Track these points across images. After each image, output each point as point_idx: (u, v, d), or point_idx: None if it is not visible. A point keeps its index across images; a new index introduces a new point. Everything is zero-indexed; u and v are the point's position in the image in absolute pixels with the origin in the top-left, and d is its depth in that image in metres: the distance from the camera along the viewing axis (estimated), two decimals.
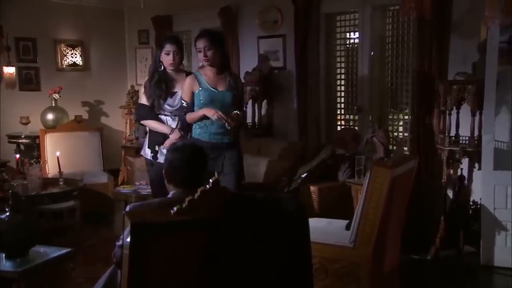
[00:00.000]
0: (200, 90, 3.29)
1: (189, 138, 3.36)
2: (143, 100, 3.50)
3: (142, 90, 3.54)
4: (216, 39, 3.28)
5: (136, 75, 7.07)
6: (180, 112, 3.39)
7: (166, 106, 3.44)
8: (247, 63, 5.52)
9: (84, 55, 6.69)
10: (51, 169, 5.18)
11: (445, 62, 4.11)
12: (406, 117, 4.72)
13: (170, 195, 2.12)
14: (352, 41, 5.17)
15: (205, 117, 3.25)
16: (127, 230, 1.62)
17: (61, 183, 4.29)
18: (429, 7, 1.57)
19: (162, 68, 3.45)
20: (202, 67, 3.36)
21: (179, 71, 3.53)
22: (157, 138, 3.47)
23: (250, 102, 5.35)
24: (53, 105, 6.11)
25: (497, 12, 2.13)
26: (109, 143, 6.32)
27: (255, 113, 5.36)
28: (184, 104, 3.35)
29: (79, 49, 6.63)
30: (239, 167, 3.37)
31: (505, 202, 3.64)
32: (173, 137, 3.37)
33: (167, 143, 3.36)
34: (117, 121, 6.88)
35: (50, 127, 5.87)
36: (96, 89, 6.76)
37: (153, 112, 3.46)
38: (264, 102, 5.35)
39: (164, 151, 3.30)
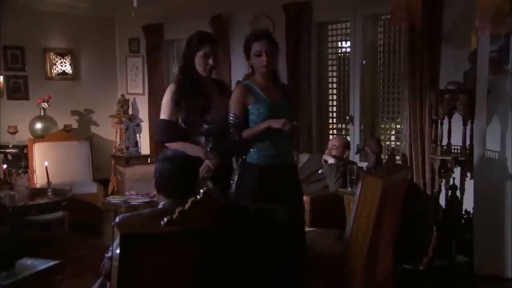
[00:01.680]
0: (257, 103, 2.68)
1: (245, 164, 2.73)
2: (166, 114, 2.75)
3: (167, 100, 2.76)
4: (274, 43, 2.77)
5: (127, 84, 7.07)
6: (234, 131, 2.70)
7: (204, 125, 2.73)
8: (239, 71, 5.52)
9: (73, 64, 6.67)
10: (39, 179, 5.14)
11: (436, 71, 4.16)
12: (398, 126, 4.76)
13: (160, 206, 2.12)
14: (343, 50, 5.21)
15: (266, 135, 2.67)
16: (117, 241, 1.62)
17: (49, 193, 4.26)
18: (419, 17, 1.59)
19: (195, 72, 2.76)
20: (251, 74, 2.78)
21: (210, 78, 2.87)
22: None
23: None
24: (42, 114, 6.08)
25: (487, 22, 2.16)
26: (99, 153, 6.30)
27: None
28: (232, 120, 2.70)
29: (69, 57, 6.62)
30: (301, 192, 2.90)
31: (497, 211, 3.67)
32: (211, 161, 2.66)
33: (203, 169, 2.64)
34: (107, 130, 6.86)
35: (39, 137, 5.84)
36: (86, 98, 6.75)
37: (178, 131, 2.75)
38: None
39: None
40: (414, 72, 4.21)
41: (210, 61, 2.73)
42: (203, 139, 2.75)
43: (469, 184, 3.84)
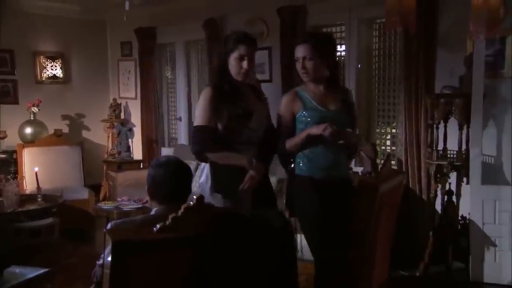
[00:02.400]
0: (305, 111, 2.56)
1: (295, 176, 2.62)
2: (204, 120, 2.50)
3: (204, 105, 2.52)
4: (320, 46, 2.55)
5: (119, 87, 7.05)
6: (279, 140, 2.59)
7: (247, 131, 2.52)
8: None
9: (64, 68, 6.65)
10: (29, 185, 5.11)
11: (432, 75, 4.18)
12: (394, 130, 4.78)
13: (153, 212, 2.10)
14: (338, 53, 5.23)
15: (311, 142, 2.54)
16: (108, 248, 1.61)
17: (39, 199, 4.24)
18: (414, 21, 1.60)
19: (229, 76, 2.56)
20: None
21: (244, 84, 2.64)
22: (228, 176, 2.51)
23: None
24: (32, 118, 6.05)
25: (482, 26, 2.18)
26: (90, 158, 6.28)
27: None
28: (278, 128, 2.61)
29: (60, 61, 6.60)
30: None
31: (494, 217, 3.69)
32: (256, 172, 2.48)
33: (246, 181, 2.47)
34: (99, 135, 6.83)
35: (28, 142, 5.81)
36: (77, 102, 6.72)
37: (218, 138, 2.50)
38: None
39: (239, 195, 2.46)
40: (410, 76, 4.23)
41: (244, 64, 2.51)
42: (245, 147, 2.52)
43: (465, 189, 3.86)
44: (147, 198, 2.17)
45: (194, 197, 1.71)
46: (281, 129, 2.61)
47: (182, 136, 6.51)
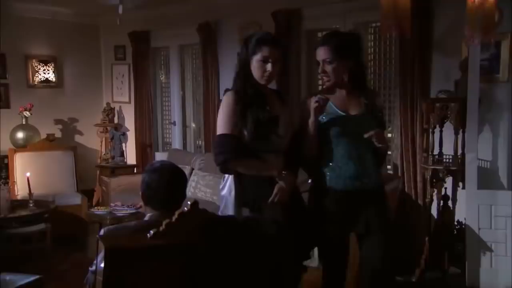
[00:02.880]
0: (324, 116, 2.41)
1: (317, 187, 2.45)
2: (227, 128, 2.33)
3: (227, 111, 2.36)
4: (342, 48, 2.37)
5: (112, 92, 7.04)
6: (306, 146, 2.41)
7: (274, 138, 2.35)
8: (227, 80, 5.49)
9: (57, 71, 6.62)
10: (20, 191, 5.08)
11: (427, 79, 4.20)
12: (389, 135, 4.79)
13: (147, 218, 2.10)
14: None
15: (339, 152, 2.39)
16: (101, 255, 1.60)
17: (31, 205, 4.21)
18: (408, 26, 1.61)
19: (253, 79, 2.40)
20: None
21: (268, 88, 2.49)
22: (256, 188, 2.31)
23: None
24: (24, 123, 6.02)
25: (477, 31, 2.20)
26: (83, 163, 6.25)
27: None
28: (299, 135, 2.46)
29: (52, 65, 6.57)
30: (387, 224, 2.45)
31: (490, 222, 3.69)
32: (287, 182, 2.30)
33: (278, 193, 2.29)
34: (92, 139, 6.81)
35: (20, 146, 5.78)
36: (70, 107, 6.70)
37: (243, 147, 2.31)
38: None
39: (268, 209, 2.29)
40: (405, 80, 4.25)
41: (268, 67, 2.33)
42: (273, 156, 2.35)
43: (461, 194, 3.87)
44: (141, 203, 2.15)
45: (189, 202, 1.71)
46: (302, 137, 2.42)
47: (176, 141, 6.50)
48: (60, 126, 6.67)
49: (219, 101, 6.07)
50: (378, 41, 4.81)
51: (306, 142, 2.39)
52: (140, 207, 4.21)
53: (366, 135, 2.29)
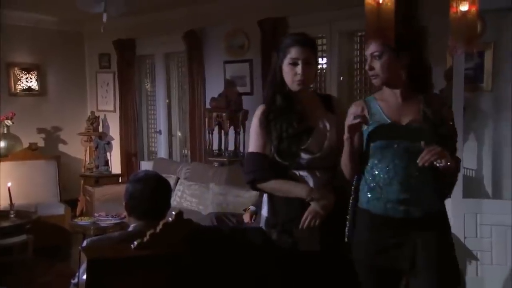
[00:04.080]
0: (371, 124, 2.00)
1: (356, 209, 2.07)
2: (255, 145, 2.16)
3: (255, 126, 2.18)
4: (395, 39, 1.96)
5: (97, 100, 7.00)
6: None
7: (303, 154, 2.10)
8: (213, 88, 5.55)
9: (40, 80, 6.57)
10: (1, 201, 4.99)
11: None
12: None
13: (130, 228, 2.08)
14: (320, 66, 5.28)
15: (381, 169, 1.97)
16: (83, 266, 1.58)
17: (12, 216, 4.16)
18: (393, 35, 1.64)
19: (286, 88, 2.16)
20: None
21: (309, 93, 2.26)
22: (287, 210, 2.11)
23: (216, 128, 5.35)
24: (5, 132, 5.95)
25: (460, 41, 2.23)
26: (67, 172, 6.20)
27: (222, 140, 5.37)
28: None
29: (35, 73, 6.52)
30: (444, 262, 1.97)
31: (475, 230, 3.73)
32: (321, 205, 2.04)
33: (308, 216, 2.04)
34: (76, 148, 6.76)
35: (2, 156, 5.70)
36: (53, 115, 6.64)
37: (272, 165, 2.11)
38: (231, 129, 5.36)
39: (298, 233, 2.06)
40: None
41: (298, 70, 2.08)
42: (306, 174, 2.10)
43: (447, 202, 3.89)
44: (126, 213, 2.14)
45: (173, 213, 1.70)
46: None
47: (162, 150, 6.48)
48: (43, 135, 6.61)
49: (205, 109, 6.11)
50: (364, 50, 4.86)
51: (342, 160, 2.04)
52: (125, 217, 4.18)
53: (423, 153, 1.82)
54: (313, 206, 2.03)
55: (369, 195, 1.98)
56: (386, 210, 1.94)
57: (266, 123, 2.12)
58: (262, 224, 2.18)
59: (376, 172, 1.97)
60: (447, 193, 2.08)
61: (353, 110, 2.05)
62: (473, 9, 2.56)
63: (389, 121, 1.98)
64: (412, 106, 1.98)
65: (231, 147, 5.33)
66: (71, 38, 6.85)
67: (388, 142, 1.95)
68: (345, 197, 2.07)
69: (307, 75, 2.09)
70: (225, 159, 5.27)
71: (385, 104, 2.02)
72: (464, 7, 2.58)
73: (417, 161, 1.80)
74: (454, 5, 2.62)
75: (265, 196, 2.20)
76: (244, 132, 5.31)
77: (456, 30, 2.30)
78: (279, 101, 2.13)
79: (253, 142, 2.16)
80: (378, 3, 1.92)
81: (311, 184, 2.09)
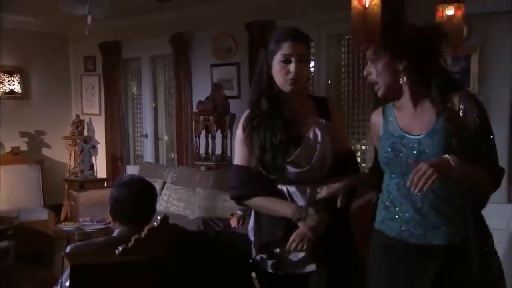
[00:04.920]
0: (384, 135, 1.81)
1: (370, 227, 1.85)
2: (239, 157, 1.95)
3: (239, 136, 1.96)
4: (392, 38, 1.79)
5: (82, 103, 6.96)
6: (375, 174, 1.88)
7: (290, 168, 1.86)
8: (200, 91, 5.54)
9: (23, 83, 6.50)
10: None
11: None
12: (364, 147, 4.86)
13: (115, 234, 2.07)
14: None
15: (393, 187, 1.75)
16: (66, 273, 1.57)
17: None
18: (379, 39, 1.65)
19: (274, 89, 1.91)
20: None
21: (302, 95, 1.97)
22: (273, 229, 1.88)
23: (203, 132, 5.35)
24: None
25: (446, 47, 2.26)
26: (51, 177, 6.15)
27: (209, 144, 5.36)
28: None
29: (18, 76, 6.45)
30: None
31: None
32: (309, 226, 1.80)
33: (295, 239, 1.80)
34: (60, 152, 6.70)
35: None
36: (37, 119, 6.58)
37: (260, 180, 1.88)
38: (218, 132, 5.36)
39: (293, 255, 1.85)
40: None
41: (291, 67, 1.84)
42: (294, 190, 1.87)
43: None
44: (110, 218, 2.13)
45: (159, 217, 1.69)
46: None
47: (148, 154, 6.45)
48: (26, 139, 6.53)
49: (192, 113, 6.09)
50: (352, 53, 4.90)
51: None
52: (110, 222, 4.15)
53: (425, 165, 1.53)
54: (301, 227, 1.80)
55: (384, 215, 1.76)
56: (401, 233, 1.70)
57: (249, 131, 1.88)
58: (249, 235, 1.98)
59: (390, 189, 1.75)
60: (478, 211, 1.71)
61: (373, 120, 1.90)
62: (459, 13, 2.60)
63: (399, 131, 1.74)
64: (426, 115, 1.71)
65: (218, 151, 5.33)
66: (55, 40, 6.79)
67: (398, 156, 1.71)
68: (340, 213, 1.84)
69: (300, 73, 1.85)
70: (212, 163, 5.27)
71: (401, 113, 1.79)
72: (449, 11, 2.62)
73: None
74: (440, 9, 2.66)
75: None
76: (231, 136, 5.31)
77: None
78: (265, 104, 1.87)
79: (237, 152, 1.94)
80: (364, 7, 1.94)
81: (300, 201, 1.84)
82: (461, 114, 1.65)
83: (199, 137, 5.34)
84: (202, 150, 5.40)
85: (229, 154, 5.35)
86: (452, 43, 2.32)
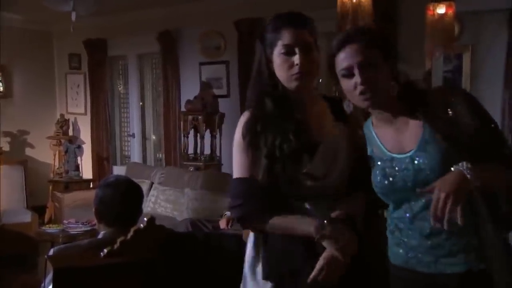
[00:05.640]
0: (371, 159, 1.56)
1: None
2: (239, 169, 1.60)
3: (238, 142, 1.62)
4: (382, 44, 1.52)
5: (67, 102, 6.91)
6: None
7: (304, 180, 1.55)
8: (188, 90, 5.53)
9: (5, 81, 6.43)
10: None
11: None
12: None
13: (100, 236, 2.05)
14: None
15: (396, 209, 1.51)
16: (49, 276, 1.55)
17: None
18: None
19: (279, 87, 1.62)
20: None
21: (312, 94, 1.70)
22: (287, 256, 1.56)
23: (192, 132, 5.33)
24: None
25: (437, 44, 2.27)
26: (35, 177, 6.10)
27: (197, 143, 5.35)
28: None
29: None
30: None
31: None
32: (339, 247, 1.46)
33: (324, 266, 1.46)
34: (44, 153, 6.64)
35: None
36: (20, 118, 6.51)
37: (264, 194, 1.55)
38: (207, 132, 5.35)
39: None
40: None
41: (295, 60, 1.55)
42: (312, 204, 1.56)
43: None
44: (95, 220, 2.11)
45: (145, 219, 1.68)
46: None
47: (135, 154, 6.42)
48: (8, 139, 6.46)
49: (180, 112, 6.08)
50: None
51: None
52: (96, 224, 4.12)
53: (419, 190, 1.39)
54: (329, 249, 1.45)
55: (389, 239, 1.53)
56: (407, 261, 1.47)
57: (252, 137, 1.57)
58: (247, 270, 1.63)
59: (394, 215, 1.51)
60: (505, 233, 1.43)
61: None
62: (450, 11, 2.62)
63: (388, 155, 1.49)
64: (410, 126, 1.49)
65: (207, 151, 5.33)
66: (39, 38, 6.72)
67: (392, 182, 1.46)
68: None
69: (307, 66, 1.56)
70: (201, 164, 5.27)
71: (381, 130, 1.54)
72: (441, 10, 2.63)
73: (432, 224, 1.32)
74: (431, 8, 2.67)
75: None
76: (220, 135, 5.31)
77: (433, 33, 2.34)
78: (269, 105, 1.58)
79: (237, 163, 1.60)
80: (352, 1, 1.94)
81: (322, 216, 1.51)
82: (449, 112, 1.41)
83: (187, 137, 5.33)
84: (191, 150, 5.39)
85: (218, 154, 5.34)
86: (443, 42, 2.34)
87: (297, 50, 1.56)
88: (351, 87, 1.48)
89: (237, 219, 1.63)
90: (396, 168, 1.46)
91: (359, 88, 1.46)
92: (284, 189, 1.54)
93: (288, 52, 1.56)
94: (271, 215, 1.53)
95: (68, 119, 6.68)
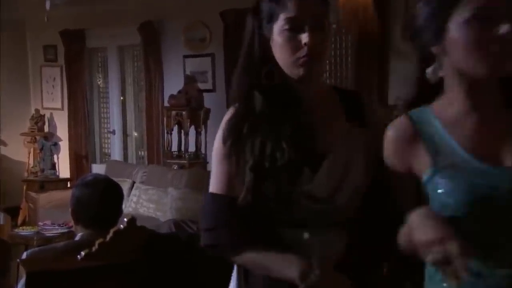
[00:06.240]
0: (439, 171, 1.10)
1: None
2: (216, 183, 1.31)
3: (217, 149, 1.31)
4: None
5: (42, 97, 6.85)
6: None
7: (302, 202, 1.23)
8: (172, 85, 5.51)
9: None
10: None
11: (385, 85, 4.34)
12: None
13: (77, 238, 2.04)
14: None
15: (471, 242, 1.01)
16: (22, 281, 1.54)
17: None
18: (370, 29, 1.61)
19: (275, 76, 1.30)
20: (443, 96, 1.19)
21: (321, 85, 1.43)
22: None
23: (175, 128, 5.32)
24: None
25: None
26: (7, 176, 6.09)
27: (182, 141, 5.34)
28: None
29: None
30: None
31: None
32: None
33: None
34: (18, 150, 6.61)
35: None
36: None
37: (249, 220, 1.25)
38: (192, 128, 5.34)
39: None
40: (362, 85, 4.37)
41: (304, 38, 1.23)
42: (307, 235, 1.25)
43: None
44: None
45: (125, 219, 1.67)
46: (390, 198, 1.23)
47: (116, 151, 6.41)
48: None
49: (163, 107, 6.08)
50: (334, 44, 4.92)
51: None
52: (72, 225, 4.10)
53: None
54: None
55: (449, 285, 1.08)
56: None
57: (234, 141, 1.26)
58: None
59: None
60: None
61: (392, 137, 1.21)
62: None
63: (475, 163, 1.08)
64: (505, 126, 1.13)
65: (191, 148, 5.32)
66: (11, 28, 6.62)
67: (476, 200, 1.06)
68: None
69: (319, 47, 1.24)
70: (185, 162, 5.26)
71: (457, 127, 1.13)
72: None
73: None
74: None
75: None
76: (205, 132, 5.30)
77: None
78: (260, 100, 1.26)
79: (214, 174, 1.32)
80: None
81: (315, 253, 1.21)
82: None
83: (171, 134, 5.32)
84: (175, 148, 5.38)
85: (203, 151, 5.34)
86: None
87: (306, 27, 1.23)
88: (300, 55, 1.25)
89: (205, 247, 1.32)
90: (484, 183, 1.06)
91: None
92: (275, 213, 1.23)
93: (294, 28, 1.24)
94: (251, 246, 1.23)
95: (44, 115, 6.64)
